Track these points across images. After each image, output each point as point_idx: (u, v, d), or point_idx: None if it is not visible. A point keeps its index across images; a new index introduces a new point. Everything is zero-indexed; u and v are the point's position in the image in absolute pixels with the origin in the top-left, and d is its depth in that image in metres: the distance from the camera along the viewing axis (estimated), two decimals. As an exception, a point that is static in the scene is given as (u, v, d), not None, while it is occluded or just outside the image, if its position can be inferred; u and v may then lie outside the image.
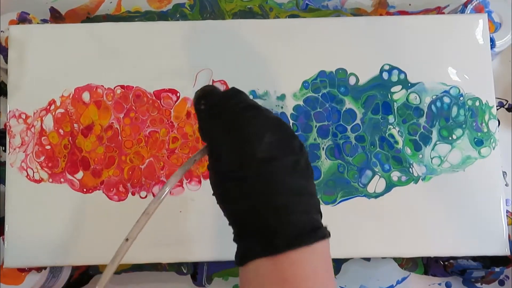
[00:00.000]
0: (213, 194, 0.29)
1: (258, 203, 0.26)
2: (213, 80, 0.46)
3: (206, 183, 0.45)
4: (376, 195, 0.45)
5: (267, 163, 0.26)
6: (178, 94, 0.46)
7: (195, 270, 0.51)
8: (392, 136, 0.46)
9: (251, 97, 0.46)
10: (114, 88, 0.46)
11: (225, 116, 0.28)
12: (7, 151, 0.45)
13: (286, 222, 0.26)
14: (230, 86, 0.46)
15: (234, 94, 0.30)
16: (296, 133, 0.30)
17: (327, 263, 0.27)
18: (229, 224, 0.28)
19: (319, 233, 0.26)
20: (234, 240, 0.28)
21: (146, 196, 0.45)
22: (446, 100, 0.46)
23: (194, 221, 0.44)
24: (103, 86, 0.46)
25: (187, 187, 0.45)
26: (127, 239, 0.28)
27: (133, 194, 0.45)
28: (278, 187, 0.26)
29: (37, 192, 0.45)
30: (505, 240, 0.44)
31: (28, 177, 0.45)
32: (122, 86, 0.46)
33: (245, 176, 0.26)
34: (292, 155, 0.27)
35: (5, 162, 0.45)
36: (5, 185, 0.45)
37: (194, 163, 0.31)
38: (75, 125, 0.46)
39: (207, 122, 0.29)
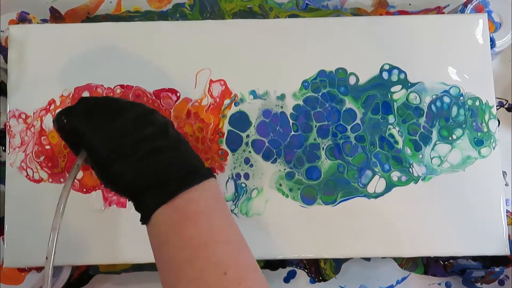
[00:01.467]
0: (103, 184, 0.33)
1: (141, 167, 0.30)
2: (211, 79, 0.46)
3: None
4: (376, 195, 0.45)
5: (135, 137, 0.31)
6: (178, 94, 0.46)
7: (195, 270, 0.51)
8: (392, 136, 0.46)
9: (251, 97, 0.46)
10: (114, 88, 0.46)
11: (79, 119, 0.32)
12: (7, 151, 0.45)
13: (172, 172, 0.31)
14: (229, 86, 0.46)
15: (79, 102, 0.34)
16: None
17: (218, 197, 0.32)
18: (128, 199, 0.33)
19: (202, 173, 0.31)
20: (134, 205, 0.32)
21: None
22: (446, 99, 0.46)
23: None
24: (103, 85, 0.46)
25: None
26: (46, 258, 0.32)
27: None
28: (153, 150, 0.31)
29: (37, 192, 0.45)
30: (505, 240, 0.44)
31: (28, 177, 0.45)
32: (122, 86, 0.46)
33: (122, 153, 0.31)
34: (153, 126, 0.32)
35: (5, 162, 0.45)
36: (5, 185, 0.45)
37: (78, 168, 0.34)
38: (75, 125, 0.46)
39: (71, 132, 0.33)
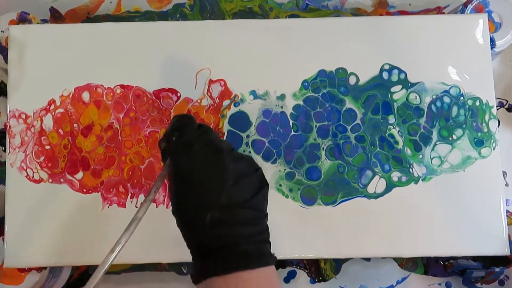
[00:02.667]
0: (173, 208, 0.33)
1: (220, 231, 0.31)
2: (211, 79, 0.46)
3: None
4: (376, 196, 0.45)
5: (225, 207, 0.31)
6: (178, 94, 0.46)
7: (195, 270, 0.51)
8: (392, 136, 0.46)
9: (251, 97, 0.46)
10: (114, 88, 0.46)
11: (196, 155, 0.32)
12: (7, 151, 0.45)
13: (238, 244, 0.31)
14: (229, 86, 0.46)
15: (206, 131, 0.34)
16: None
17: (272, 285, 0.32)
18: (187, 246, 0.33)
19: (264, 259, 0.31)
20: (192, 259, 0.32)
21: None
22: (446, 99, 0.46)
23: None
24: (102, 85, 0.46)
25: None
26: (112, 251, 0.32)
27: (132, 196, 0.45)
28: (229, 219, 0.31)
29: (37, 192, 0.45)
30: (505, 240, 0.44)
31: (28, 177, 0.45)
32: (122, 86, 0.46)
33: (215, 205, 0.31)
34: (247, 202, 0.32)
35: (5, 162, 0.45)
36: (5, 185, 0.45)
37: (163, 180, 0.34)
38: (75, 125, 0.46)
39: (178, 154, 0.33)
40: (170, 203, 0.34)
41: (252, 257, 0.31)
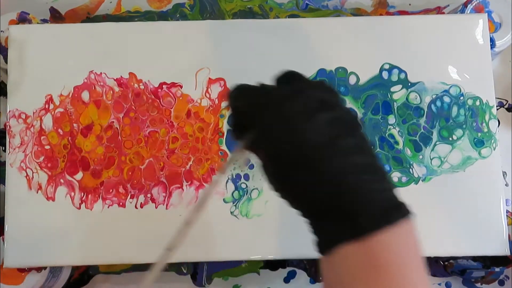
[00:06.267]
0: (272, 186, 0.28)
1: (331, 186, 0.25)
2: (211, 79, 0.46)
3: (204, 190, 0.45)
4: (376, 195, 0.45)
5: (330, 146, 0.25)
6: (178, 94, 0.46)
7: (195, 270, 0.51)
8: (392, 136, 0.46)
9: (251, 97, 0.46)
10: (113, 88, 0.46)
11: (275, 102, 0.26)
12: (7, 151, 0.45)
13: (367, 201, 0.24)
14: (229, 86, 0.46)
15: (288, 76, 0.29)
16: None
17: (416, 245, 0.26)
18: (301, 214, 0.27)
19: (403, 209, 0.25)
20: (311, 229, 0.26)
21: (145, 200, 0.45)
22: (446, 99, 0.46)
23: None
24: (102, 85, 0.46)
25: (186, 189, 0.45)
26: (168, 249, 0.29)
27: (132, 197, 0.45)
28: (347, 167, 0.25)
29: (37, 192, 0.45)
30: (505, 240, 0.44)
31: (28, 177, 0.45)
32: (121, 86, 0.46)
33: (311, 160, 0.25)
34: (352, 133, 0.26)
35: (5, 162, 0.45)
36: (5, 185, 0.45)
37: (234, 163, 0.30)
38: (75, 125, 0.46)
39: (258, 112, 0.27)
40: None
41: (389, 208, 0.25)
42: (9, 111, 0.46)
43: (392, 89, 0.47)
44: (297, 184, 0.26)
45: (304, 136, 0.25)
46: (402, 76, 0.47)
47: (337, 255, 0.25)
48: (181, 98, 0.46)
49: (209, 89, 0.46)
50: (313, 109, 0.25)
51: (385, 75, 0.47)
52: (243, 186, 0.45)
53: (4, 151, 0.47)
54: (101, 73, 0.46)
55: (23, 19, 0.51)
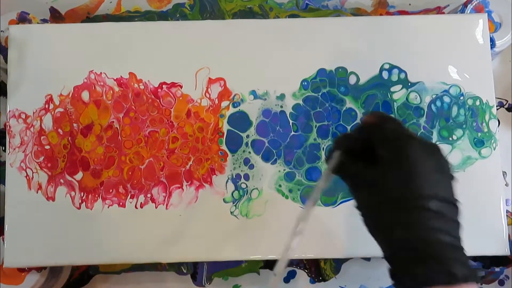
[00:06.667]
0: (362, 212, 0.31)
1: (427, 235, 0.28)
2: (210, 79, 0.46)
3: (204, 190, 0.45)
4: (376, 195, 0.45)
5: (432, 200, 0.29)
6: (178, 94, 0.46)
7: (195, 270, 0.51)
8: (392, 136, 0.46)
9: (251, 97, 0.46)
10: (114, 88, 0.46)
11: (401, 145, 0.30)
12: (7, 151, 0.45)
13: (458, 258, 0.28)
14: (229, 87, 0.46)
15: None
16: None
17: None
18: (383, 246, 0.31)
19: (479, 275, 0.30)
20: (392, 262, 0.30)
21: (145, 200, 0.45)
22: (446, 99, 0.46)
23: (195, 222, 0.44)
24: (102, 85, 0.46)
25: (186, 189, 0.45)
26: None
27: (132, 197, 0.45)
28: (443, 225, 0.29)
29: (37, 192, 0.45)
30: (505, 240, 0.44)
31: (28, 177, 0.45)
32: (121, 85, 0.46)
33: (415, 207, 0.28)
34: (453, 197, 0.30)
35: (5, 162, 0.45)
36: (5, 185, 0.45)
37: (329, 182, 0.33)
38: (75, 124, 0.46)
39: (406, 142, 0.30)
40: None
41: (473, 270, 0.29)
42: (9, 111, 0.46)
43: (392, 89, 0.47)
44: (395, 225, 0.29)
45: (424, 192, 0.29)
46: (402, 76, 0.47)
47: None
48: (181, 98, 0.46)
49: (209, 89, 0.46)
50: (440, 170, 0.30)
51: (385, 75, 0.47)
52: (243, 186, 0.45)
53: (4, 151, 0.47)
54: (101, 73, 0.46)
55: (23, 19, 0.51)
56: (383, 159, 0.30)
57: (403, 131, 0.31)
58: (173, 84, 0.46)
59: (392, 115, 0.33)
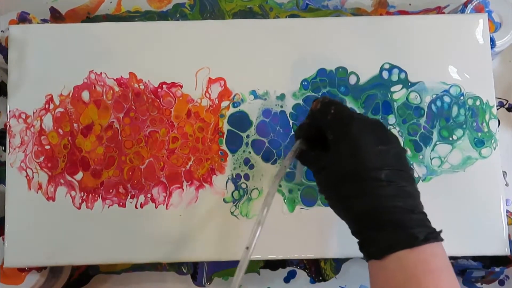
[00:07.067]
0: (325, 194, 0.34)
1: (395, 199, 0.30)
2: (210, 78, 0.46)
3: (204, 190, 0.45)
4: (376, 195, 0.45)
5: (381, 170, 0.31)
6: (178, 94, 0.46)
7: (195, 270, 0.51)
8: (392, 136, 0.46)
9: (251, 97, 0.46)
10: (114, 88, 0.46)
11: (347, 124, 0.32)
12: (7, 151, 0.45)
13: (417, 221, 0.30)
14: (229, 87, 0.46)
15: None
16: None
17: (448, 258, 0.32)
18: (348, 221, 0.33)
19: (440, 233, 0.31)
20: (361, 237, 0.32)
21: (145, 200, 0.45)
22: (447, 99, 0.46)
23: (195, 222, 0.44)
24: (102, 85, 0.46)
25: (186, 189, 0.45)
26: (247, 248, 0.33)
27: (132, 197, 0.45)
28: (396, 192, 0.31)
29: (37, 192, 0.45)
30: (505, 240, 0.44)
31: (28, 177, 0.45)
32: (121, 85, 0.46)
33: (365, 179, 0.31)
34: (402, 166, 0.32)
35: (5, 162, 0.45)
36: (5, 185, 0.45)
37: (290, 164, 0.34)
38: (75, 124, 0.46)
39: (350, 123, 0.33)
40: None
41: (434, 229, 0.31)
42: (9, 111, 0.46)
43: (392, 89, 0.47)
44: (352, 199, 0.31)
45: (373, 163, 0.31)
46: (402, 76, 0.47)
47: (393, 261, 0.30)
48: (181, 98, 0.46)
49: (209, 89, 0.46)
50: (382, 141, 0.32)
51: (385, 75, 0.47)
52: (243, 186, 0.45)
53: (4, 151, 0.47)
54: (101, 73, 0.46)
55: (23, 19, 0.51)
56: (332, 141, 0.33)
57: (344, 113, 0.33)
58: (173, 84, 0.46)
59: (336, 99, 0.36)
